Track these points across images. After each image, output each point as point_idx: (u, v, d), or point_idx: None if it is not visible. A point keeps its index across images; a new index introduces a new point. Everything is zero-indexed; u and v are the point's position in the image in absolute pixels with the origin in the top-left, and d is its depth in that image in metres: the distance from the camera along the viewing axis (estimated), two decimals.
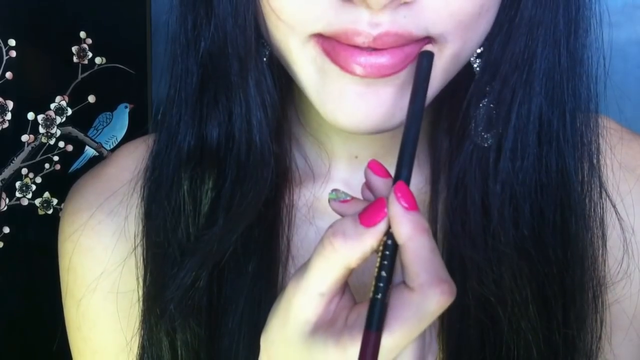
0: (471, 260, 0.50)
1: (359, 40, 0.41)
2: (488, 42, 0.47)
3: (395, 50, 0.42)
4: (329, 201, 0.43)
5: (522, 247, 0.50)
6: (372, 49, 0.41)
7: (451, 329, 0.51)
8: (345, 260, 0.39)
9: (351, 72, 0.42)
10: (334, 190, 0.43)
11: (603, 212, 0.53)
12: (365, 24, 0.40)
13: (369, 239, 0.39)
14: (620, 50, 1.10)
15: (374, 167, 0.43)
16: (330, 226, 0.40)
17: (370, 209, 0.40)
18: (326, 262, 0.39)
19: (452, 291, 0.38)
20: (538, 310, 0.50)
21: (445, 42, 0.43)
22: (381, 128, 0.44)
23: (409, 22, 0.41)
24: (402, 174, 0.40)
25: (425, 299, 0.38)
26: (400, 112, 0.43)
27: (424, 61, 0.42)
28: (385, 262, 0.39)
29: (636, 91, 1.10)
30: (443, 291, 0.38)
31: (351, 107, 0.43)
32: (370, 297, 0.39)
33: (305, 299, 0.40)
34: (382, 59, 0.41)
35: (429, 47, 0.42)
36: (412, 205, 0.39)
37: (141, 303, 0.54)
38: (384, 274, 0.39)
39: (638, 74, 1.11)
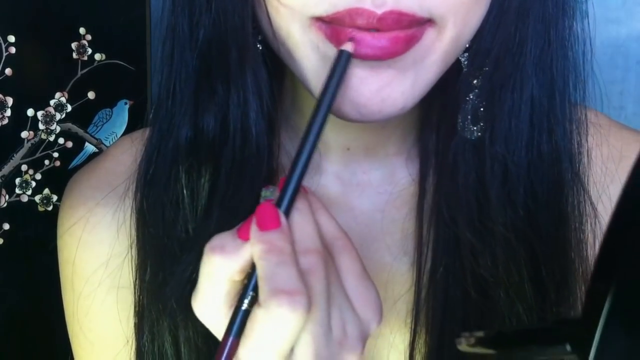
0: (470, 243, 0.50)
1: (362, 22, 0.41)
2: (478, 31, 0.47)
3: (398, 32, 0.41)
4: (260, 199, 0.44)
5: (518, 228, 0.50)
6: (375, 31, 0.41)
7: (453, 313, 0.51)
8: (226, 274, 0.40)
9: (356, 54, 0.42)
10: (266, 187, 0.44)
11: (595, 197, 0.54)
12: (369, 2, 0.40)
13: (247, 253, 0.40)
14: (621, 47, 1.10)
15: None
16: (209, 242, 0.41)
17: (246, 224, 0.41)
18: (210, 278, 0.40)
19: (291, 301, 0.37)
20: (534, 290, 0.50)
21: (446, 24, 0.43)
22: (383, 114, 0.44)
23: (413, 3, 0.41)
24: (288, 189, 0.41)
25: (267, 312, 0.38)
26: (402, 97, 0.43)
27: (342, 59, 0.41)
28: (252, 274, 0.40)
29: (636, 87, 1.10)
30: (280, 303, 0.37)
31: (355, 93, 0.43)
32: (236, 304, 0.40)
33: (207, 315, 0.41)
34: (384, 41, 0.41)
35: (347, 48, 0.42)
36: (268, 224, 0.40)
37: (137, 296, 0.54)
38: (248, 285, 0.40)
39: (639, 70, 1.11)
